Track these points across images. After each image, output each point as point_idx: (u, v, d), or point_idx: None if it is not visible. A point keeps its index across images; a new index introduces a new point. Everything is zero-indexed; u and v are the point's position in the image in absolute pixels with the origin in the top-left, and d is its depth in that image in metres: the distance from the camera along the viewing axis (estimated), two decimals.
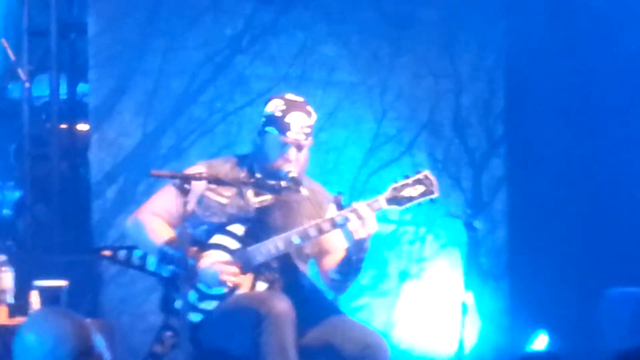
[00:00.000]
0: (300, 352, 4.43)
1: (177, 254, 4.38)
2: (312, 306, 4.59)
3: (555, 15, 6.99)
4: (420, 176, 4.56)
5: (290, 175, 4.56)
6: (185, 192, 4.27)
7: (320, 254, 4.70)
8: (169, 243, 4.52)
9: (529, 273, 6.84)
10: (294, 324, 4.38)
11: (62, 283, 5.14)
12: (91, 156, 6.38)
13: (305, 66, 6.63)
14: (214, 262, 4.51)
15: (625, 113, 6.84)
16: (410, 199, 4.54)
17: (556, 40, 6.96)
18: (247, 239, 4.57)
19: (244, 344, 4.39)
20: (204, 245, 4.58)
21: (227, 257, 4.55)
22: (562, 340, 6.75)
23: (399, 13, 6.77)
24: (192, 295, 4.51)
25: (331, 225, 4.51)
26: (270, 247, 4.53)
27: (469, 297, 5.26)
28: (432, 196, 4.56)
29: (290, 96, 4.70)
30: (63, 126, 6.78)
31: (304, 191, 4.59)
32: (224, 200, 4.64)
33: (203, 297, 4.55)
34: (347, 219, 4.45)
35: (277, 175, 4.59)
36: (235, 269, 4.50)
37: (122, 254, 4.71)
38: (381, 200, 4.51)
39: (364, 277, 6.44)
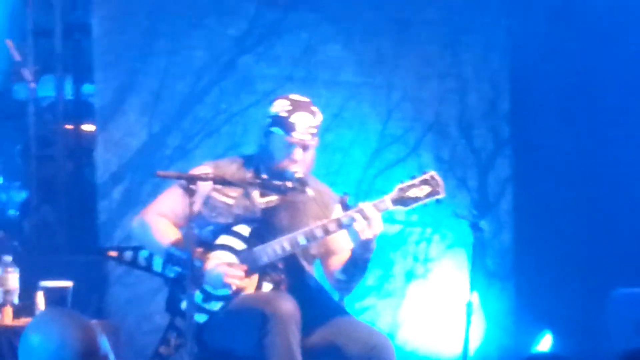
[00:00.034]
0: (306, 352, 4.42)
1: (183, 255, 4.37)
2: (318, 307, 4.59)
3: (559, 15, 6.99)
4: (426, 177, 4.55)
5: (296, 175, 4.56)
6: (191, 193, 4.26)
7: (326, 254, 4.70)
8: (175, 244, 4.52)
9: (534, 274, 6.83)
10: (300, 325, 4.38)
11: (67, 284, 5.13)
12: (97, 156, 6.38)
13: (309, 67, 6.63)
14: (219, 263, 4.50)
15: (632, 113, 6.83)
16: (416, 199, 4.53)
17: (561, 40, 6.95)
18: (253, 240, 4.56)
19: (249, 344, 4.39)
20: (210, 246, 4.57)
21: (233, 257, 4.55)
22: (567, 341, 6.75)
23: (404, 13, 6.77)
24: (197, 296, 4.50)
25: (337, 226, 4.50)
26: (276, 247, 4.52)
27: (475, 298, 5.25)
28: (438, 197, 4.55)
29: (295, 96, 4.69)
30: (69, 127, 6.78)
31: (310, 192, 4.59)
32: (230, 201, 4.63)
33: (209, 297, 4.55)
34: (353, 220, 4.44)
35: (283, 175, 4.58)
36: (240, 272, 4.49)
37: (128, 254, 4.71)
38: (387, 200, 4.50)
39: (370, 278, 6.43)
